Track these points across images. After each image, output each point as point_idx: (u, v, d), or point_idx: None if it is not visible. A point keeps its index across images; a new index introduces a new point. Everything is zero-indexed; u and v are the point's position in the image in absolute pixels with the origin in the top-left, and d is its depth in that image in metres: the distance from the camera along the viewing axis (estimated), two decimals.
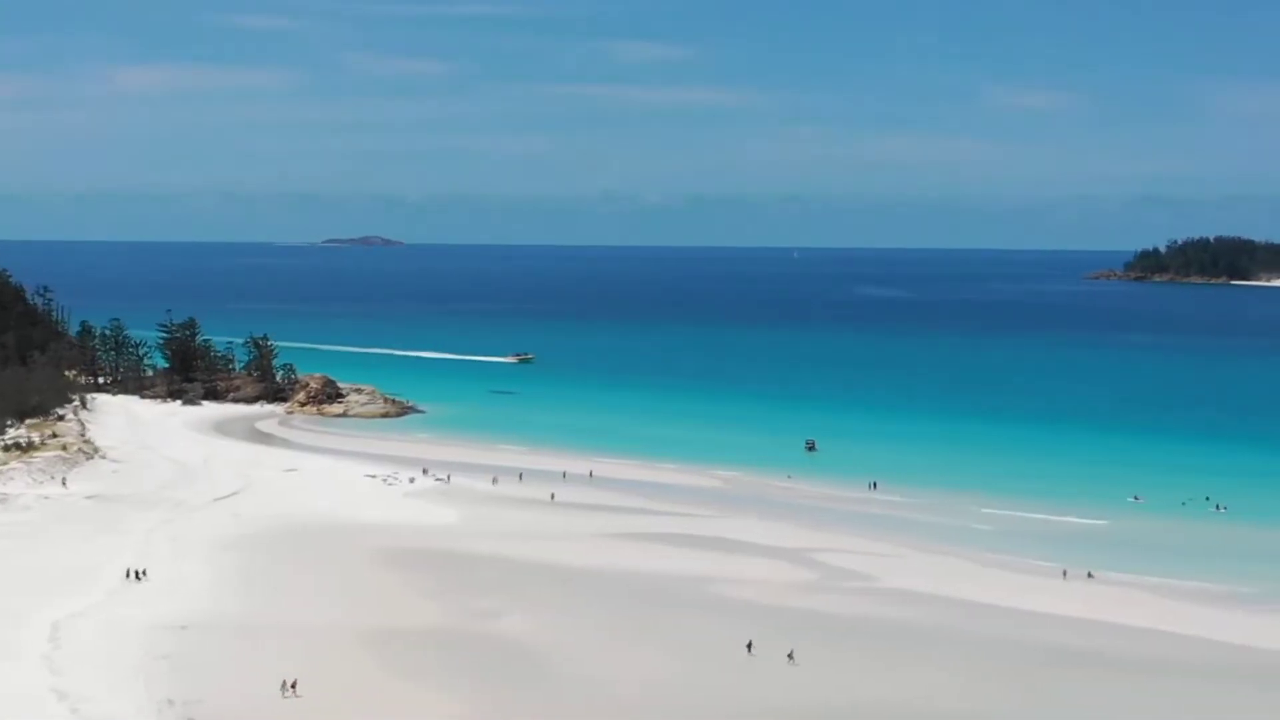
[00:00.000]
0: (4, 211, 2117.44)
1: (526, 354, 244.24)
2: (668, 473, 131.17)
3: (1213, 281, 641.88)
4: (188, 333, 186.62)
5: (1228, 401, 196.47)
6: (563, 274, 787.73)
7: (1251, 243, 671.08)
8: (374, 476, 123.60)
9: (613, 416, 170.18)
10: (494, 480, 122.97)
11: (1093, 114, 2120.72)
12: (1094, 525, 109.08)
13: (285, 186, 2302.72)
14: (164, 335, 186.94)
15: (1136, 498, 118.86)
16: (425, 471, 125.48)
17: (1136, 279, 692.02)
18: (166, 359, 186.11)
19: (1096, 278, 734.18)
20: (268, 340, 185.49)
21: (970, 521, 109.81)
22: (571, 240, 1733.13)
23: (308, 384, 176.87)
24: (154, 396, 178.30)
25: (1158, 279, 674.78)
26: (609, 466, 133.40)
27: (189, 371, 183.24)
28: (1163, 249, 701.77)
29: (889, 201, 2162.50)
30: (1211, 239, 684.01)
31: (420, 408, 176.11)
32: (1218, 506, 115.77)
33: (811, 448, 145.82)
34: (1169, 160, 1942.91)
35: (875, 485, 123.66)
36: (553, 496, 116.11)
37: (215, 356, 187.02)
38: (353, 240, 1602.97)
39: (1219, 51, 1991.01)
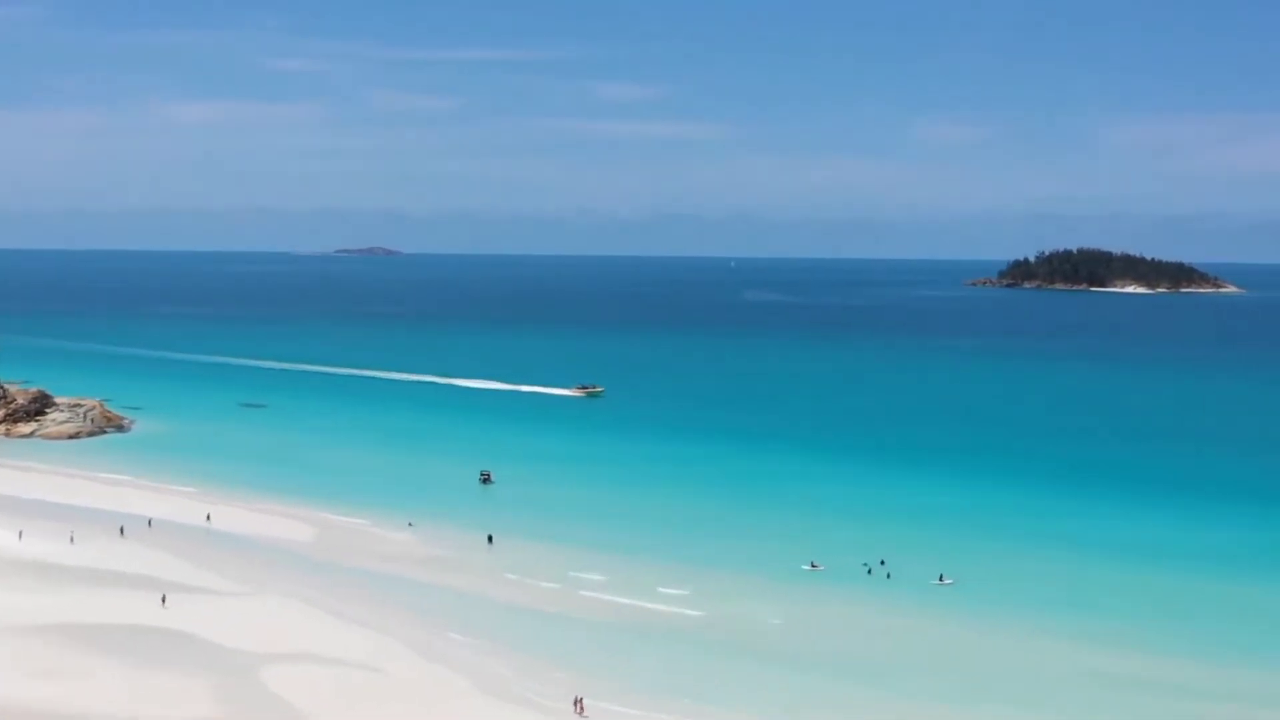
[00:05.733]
0: (74, 225, 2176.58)
1: (595, 386, 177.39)
2: (286, 520, 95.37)
3: (1075, 288, 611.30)
4: None
5: (1030, 419, 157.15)
6: (497, 282, 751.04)
7: (1109, 254, 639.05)
8: None
9: (337, 438, 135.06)
10: (20, 535, 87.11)
11: (999, 143, 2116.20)
12: (721, 610, 73.67)
13: (307, 203, 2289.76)
14: None
15: (813, 564, 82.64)
16: None
17: (1008, 285, 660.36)
18: None
19: (974, 284, 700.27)
20: None
21: (524, 595, 74.92)
22: (551, 250, 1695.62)
23: (13, 399, 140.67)
24: None
25: (1027, 285, 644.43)
26: (232, 510, 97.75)
27: None
28: (1032, 259, 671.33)
29: (824, 218, 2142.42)
30: (1075, 250, 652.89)
31: (130, 426, 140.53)
32: (940, 578, 79.20)
33: (486, 480, 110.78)
34: (1060, 183, 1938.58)
35: (492, 539, 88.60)
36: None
37: None
38: (360, 250, 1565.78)
39: (1105, 91, 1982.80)
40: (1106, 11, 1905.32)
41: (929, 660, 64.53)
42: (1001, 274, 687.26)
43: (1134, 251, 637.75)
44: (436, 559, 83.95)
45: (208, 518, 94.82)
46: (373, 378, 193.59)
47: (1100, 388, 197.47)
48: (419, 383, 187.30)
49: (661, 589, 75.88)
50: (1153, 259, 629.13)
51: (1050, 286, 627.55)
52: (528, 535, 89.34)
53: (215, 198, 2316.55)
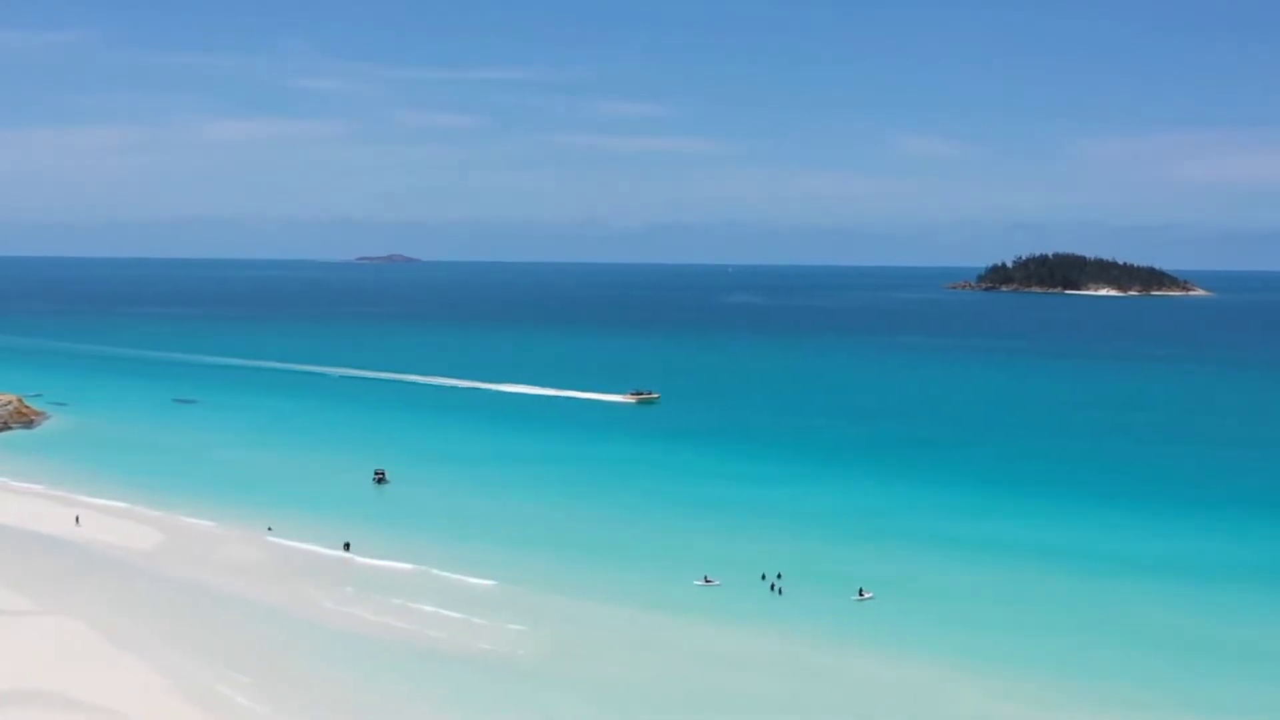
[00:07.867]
0: (117, 234, 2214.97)
1: (649, 392, 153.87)
2: (136, 524, 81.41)
3: (1050, 291, 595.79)
4: None
5: (983, 417, 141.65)
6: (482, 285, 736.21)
7: (1083, 259, 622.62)
8: None
9: (255, 437, 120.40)
10: None
11: (977, 157, 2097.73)
12: (580, 638, 59.48)
13: (331, 213, 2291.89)
14: None
15: (707, 579, 68.25)
16: None
17: (986, 289, 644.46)
18: None
19: (953, 288, 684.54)
20: None
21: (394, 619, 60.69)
22: (560, 258, 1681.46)
23: None
24: None
25: (1004, 289, 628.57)
26: (89, 514, 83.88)
27: None
28: (1009, 264, 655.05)
29: (815, 228, 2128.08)
30: (1050, 255, 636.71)
31: (40, 422, 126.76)
32: (860, 592, 65.34)
33: (381, 479, 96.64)
34: (1035, 194, 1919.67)
35: (349, 547, 74.60)
36: None
37: None
38: (380, 258, 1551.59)
39: (1076, 108, 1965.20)
40: (1080, 32, 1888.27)
41: (837, 699, 50.41)
42: (980, 278, 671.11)
43: (1107, 257, 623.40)
44: (274, 571, 69.99)
45: (76, 520, 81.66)
46: (378, 380, 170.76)
47: (1052, 384, 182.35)
48: (435, 386, 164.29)
49: (513, 612, 61.80)
50: (1125, 263, 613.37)
51: (1026, 290, 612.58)
52: (392, 545, 75.38)
53: (244, 208, 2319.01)
